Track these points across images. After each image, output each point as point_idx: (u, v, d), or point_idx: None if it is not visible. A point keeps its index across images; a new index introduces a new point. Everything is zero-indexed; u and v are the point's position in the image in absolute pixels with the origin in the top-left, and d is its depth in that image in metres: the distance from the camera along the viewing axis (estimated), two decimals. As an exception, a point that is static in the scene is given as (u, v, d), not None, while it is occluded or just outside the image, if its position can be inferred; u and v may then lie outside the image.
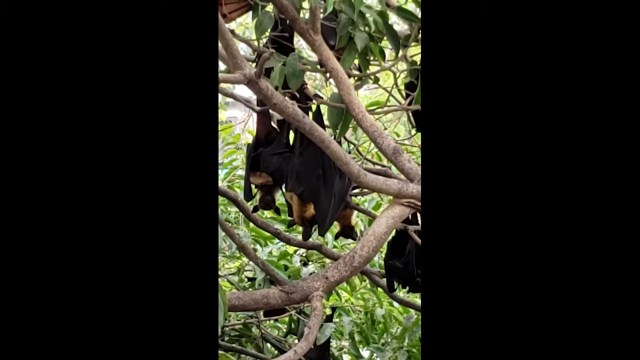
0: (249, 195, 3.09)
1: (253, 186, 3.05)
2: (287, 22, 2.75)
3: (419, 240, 2.87)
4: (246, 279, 3.97)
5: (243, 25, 5.05)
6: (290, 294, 2.44)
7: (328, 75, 2.71)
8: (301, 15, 2.63)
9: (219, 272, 3.89)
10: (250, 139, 4.23)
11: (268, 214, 3.87)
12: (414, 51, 2.90)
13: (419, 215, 2.85)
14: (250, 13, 2.82)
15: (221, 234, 2.85)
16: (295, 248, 3.95)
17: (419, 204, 2.50)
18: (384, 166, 3.50)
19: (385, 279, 3.45)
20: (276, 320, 4.08)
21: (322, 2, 2.63)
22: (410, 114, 2.99)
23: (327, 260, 3.88)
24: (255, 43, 2.94)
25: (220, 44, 2.35)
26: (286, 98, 2.41)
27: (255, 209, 3.17)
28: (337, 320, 4.01)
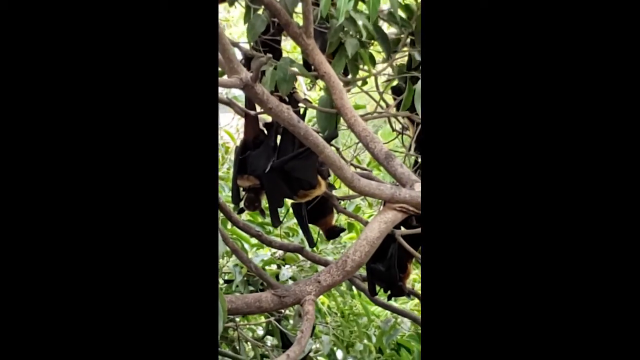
0: (236, 198, 3.08)
1: (240, 189, 3.04)
2: (277, 25, 2.76)
3: (405, 244, 2.90)
4: (223, 281, 3.96)
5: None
6: (282, 297, 2.43)
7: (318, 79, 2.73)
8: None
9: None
10: (225, 138, 4.24)
11: (245, 216, 3.87)
12: (399, 55, 2.93)
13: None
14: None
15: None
16: (274, 250, 3.96)
17: (412, 208, 2.52)
18: (364, 169, 3.54)
19: (367, 283, 3.47)
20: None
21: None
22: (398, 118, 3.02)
23: (306, 265, 3.90)
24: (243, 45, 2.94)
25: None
26: (281, 103, 2.41)
27: (242, 211, 3.16)
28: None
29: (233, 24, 5.13)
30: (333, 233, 3.31)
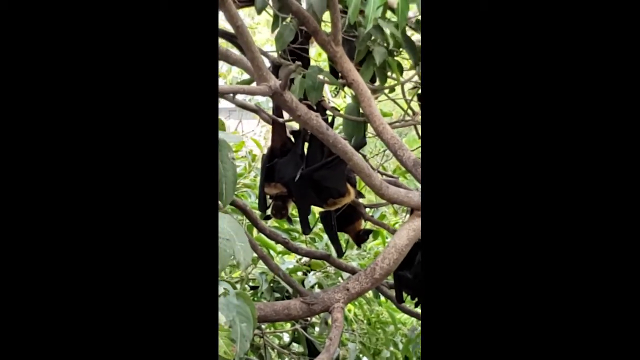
0: (263, 206, 3.09)
1: (267, 196, 3.05)
2: (304, 33, 2.77)
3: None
4: (249, 288, 3.97)
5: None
6: (311, 305, 2.44)
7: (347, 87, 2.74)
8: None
9: (225, 280, 3.89)
10: (249, 145, 4.26)
11: (271, 222, 3.88)
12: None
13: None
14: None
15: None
16: (299, 257, 3.97)
17: (441, 216, 2.52)
18: (391, 176, 3.54)
19: (393, 290, 3.47)
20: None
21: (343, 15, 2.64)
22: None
23: (331, 270, 3.90)
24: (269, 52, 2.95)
25: (246, 56, 2.36)
26: (310, 110, 2.42)
27: (268, 218, 3.17)
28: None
29: (258, 31, 5.15)
30: (361, 238, 3.31)
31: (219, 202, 1.88)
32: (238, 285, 3.93)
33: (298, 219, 3.17)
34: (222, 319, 1.78)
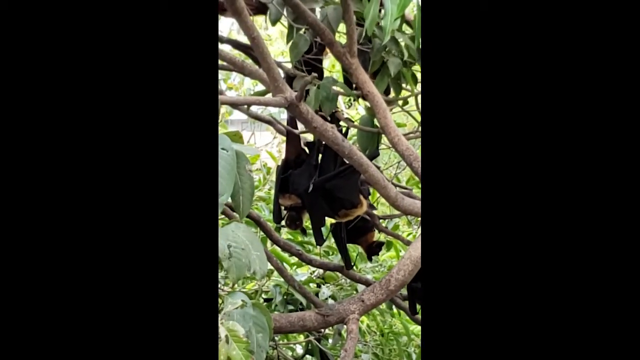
0: (278, 217, 3.09)
1: (282, 207, 3.06)
2: (318, 44, 2.77)
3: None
4: (262, 300, 3.97)
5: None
6: (326, 316, 2.43)
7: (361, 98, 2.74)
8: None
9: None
10: (263, 158, 4.27)
11: (285, 235, 3.88)
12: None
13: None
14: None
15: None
16: (313, 269, 3.96)
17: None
18: (405, 188, 3.54)
19: (407, 302, 3.46)
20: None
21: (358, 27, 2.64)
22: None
23: (346, 283, 3.90)
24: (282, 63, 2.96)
25: (262, 68, 2.37)
26: (325, 122, 2.42)
27: (282, 226, 3.18)
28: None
29: (269, 44, 5.18)
30: (373, 250, 3.31)
31: (237, 214, 1.89)
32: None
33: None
34: (240, 330, 1.77)
